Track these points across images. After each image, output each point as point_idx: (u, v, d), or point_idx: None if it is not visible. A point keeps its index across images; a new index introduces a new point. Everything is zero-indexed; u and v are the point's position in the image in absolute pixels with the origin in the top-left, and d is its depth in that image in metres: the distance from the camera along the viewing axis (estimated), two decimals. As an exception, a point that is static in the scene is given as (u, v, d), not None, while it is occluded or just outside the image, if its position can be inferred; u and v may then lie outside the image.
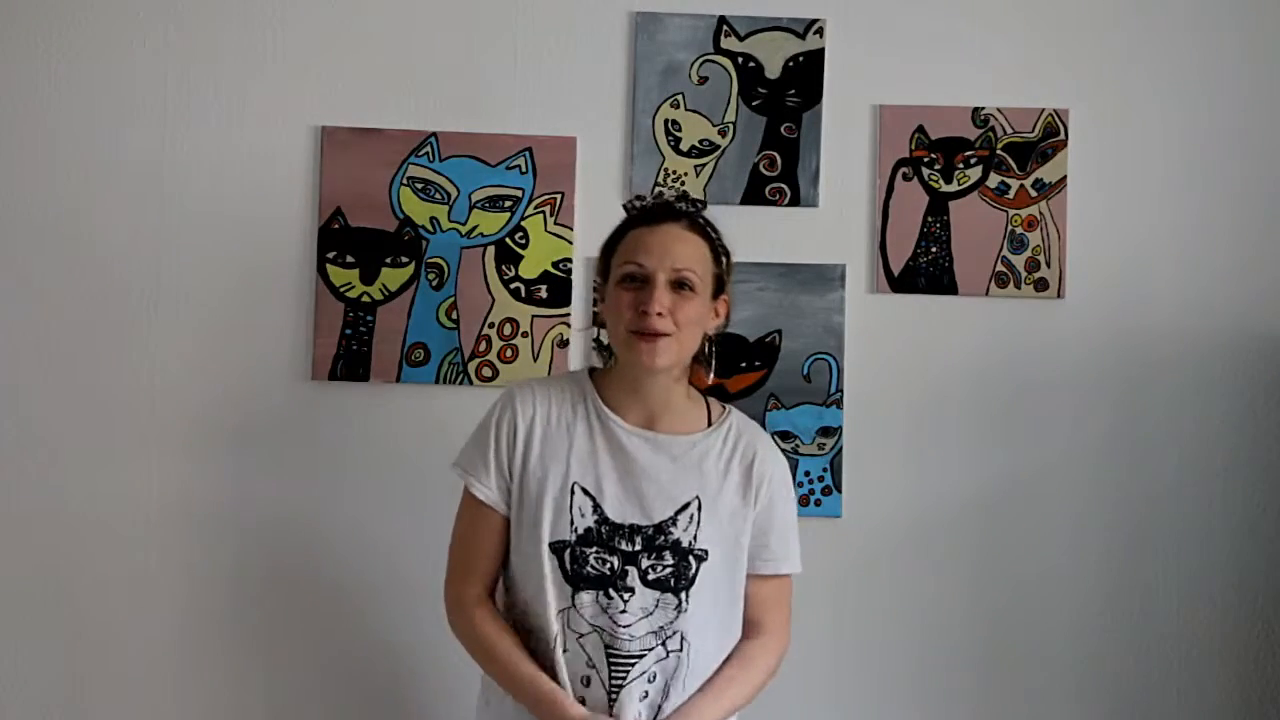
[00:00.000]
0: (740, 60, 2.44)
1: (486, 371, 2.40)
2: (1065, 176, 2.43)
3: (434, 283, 2.41)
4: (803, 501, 2.37)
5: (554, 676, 1.82)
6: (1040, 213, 2.43)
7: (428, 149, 2.41)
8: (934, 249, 2.43)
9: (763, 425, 2.32)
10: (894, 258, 2.43)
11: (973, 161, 2.44)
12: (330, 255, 2.40)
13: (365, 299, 2.40)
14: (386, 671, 2.38)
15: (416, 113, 2.41)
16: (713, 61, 2.44)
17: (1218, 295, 2.44)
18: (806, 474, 2.39)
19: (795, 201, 2.43)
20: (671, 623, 1.83)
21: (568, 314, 2.40)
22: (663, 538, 1.84)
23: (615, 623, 1.82)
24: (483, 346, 2.41)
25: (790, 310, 2.41)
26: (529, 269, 2.41)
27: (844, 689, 2.41)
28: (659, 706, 1.83)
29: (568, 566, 1.83)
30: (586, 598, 1.82)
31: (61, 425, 2.37)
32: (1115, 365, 2.43)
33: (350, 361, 2.39)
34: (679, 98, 2.43)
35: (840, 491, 2.40)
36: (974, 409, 2.43)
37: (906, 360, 2.43)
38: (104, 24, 2.40)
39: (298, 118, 2.41)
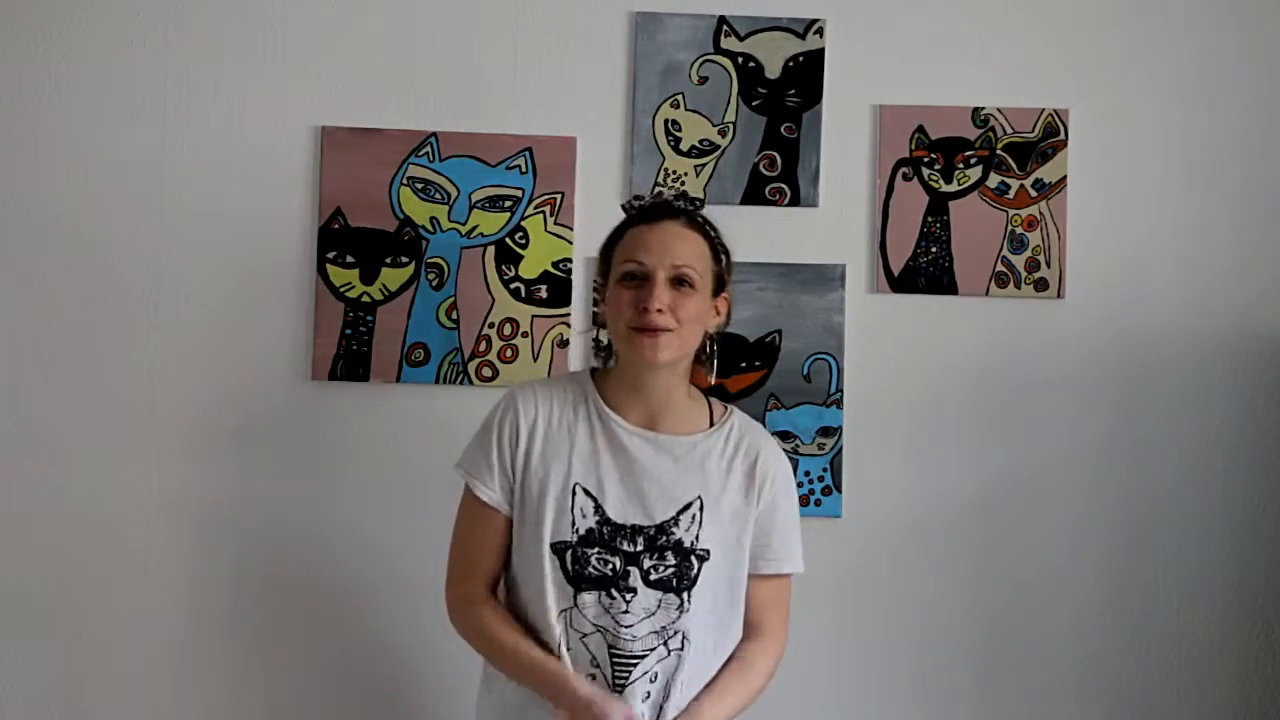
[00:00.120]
0: (740, 60, 2.44)
1: (486, 371, 2.40)
2: (1065, 176, 2.43)
3: (434, 283, 2.41)
4: (803, 501, 2.35)
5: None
6: (1040, 213, 2.43)
7: (428, 149, 2.41)
8: (934, 249, 2.43)
9: (762, 425, 2.32)
10: (894, 258, 2.43)
11: (973, 161, 2.44)
12: (330, 255, 2.40)
13: (365, 299, 2.40)
14: (386, 671, 2.38)
15: (416, 113, 2.41)
16: (713, 61, 2.44)
17: (1218, 295, 2.44)
18: (806, 474, 2.39)
19: (795, 201, 2.43)
20: (673, 622, 1.83)
21: (568, 314, 2.40)
22: (664, 538, 1.84)
23: (618, 623, 1.82)
24: (483, 346, 2.41)
25: (790, 310, 2.41)
26: (529, 269, 2.41)
27: (844, 689, 2.41)
28: (661, 706, 1.83)
29: (569, 567, 1.83)
30: (589, 598, 1.82)
31: (61, 425, 2.37)
32: (1115, 365, 2.43)
33: (350, 361, 2.39)
34: (679, 98, 2.43)
35: (840, 491, 2.40)
36: (974, 409, 2.43)
37: (906, 360, 2.43)
38: (104, 24, 2.40)
39: (298, 118, 2.41)
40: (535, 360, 2.40)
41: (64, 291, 2.38)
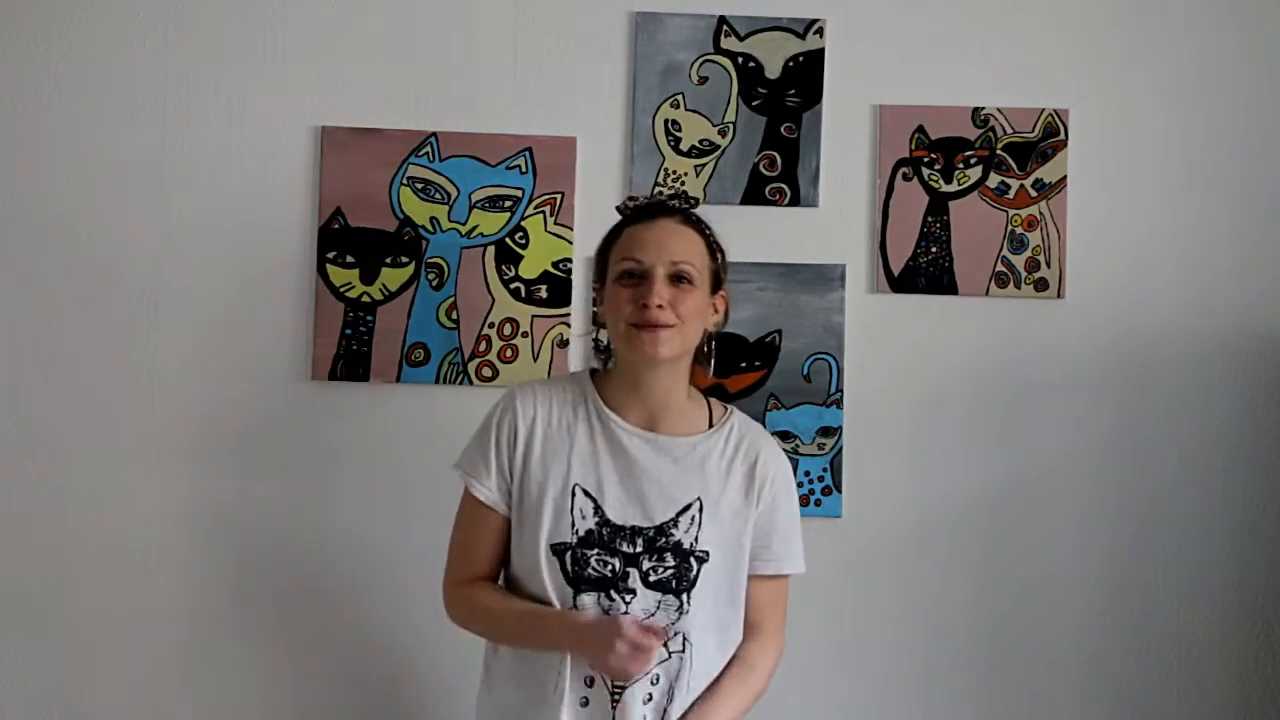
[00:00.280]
0: (740, 60, 2.44)
1: (486, 371, 2.40)
2: (1065, 176, 2.43)
3: (434, 283, 2.41)
4: (803, 501, 2.35)
5: (558, 678, 1.82)
6: (1040, 213, 2.43)
7: (428, 149, 2.41)
8: (934, 249, 2.43)
9: (762, 425, 2.32)
10: (894, 258, 2.43)
11: (973, 161, 2.44)
12: (330, 255, 2.40)
13: (365, 299, 2.40)
14: (386, 671, 2.38)
15: (416, 113, 2.41)
16: (713, 61, 2.44)
17: (1218, 295, 2.44)
18: (806, 474, 2.39)
19: (795, 201, 2.43)
20: (673, 624, 1.83)
21: (568, 314, 2.40)
22: (664, 539, 1.84)
23: (620, 619, 1.81)
24: (483, 346, 2.41)
25: (790, 310, 2.41)
26: (529, 269, 2.41)
27: (844, 689, 2.41)
28: (664, 709, 1.83)
29: (568, 568, 1.83)
30: (588, 600, 1.82)
31: (61, 424, 2.37)
32: (1115, 365, 2.43)
33: (350, 361, 2.39)
34: (679, 98, 2.43)
35: (840, 491, 2.40)
36: (974, 409, 2.43)
37: (906, 360, 2.43)
38: (104, 24, 2.40)
39: (298, 118, 2.41)
40: (535, 360, 2.40)
41: (64, 291, 2.38)
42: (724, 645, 1.89)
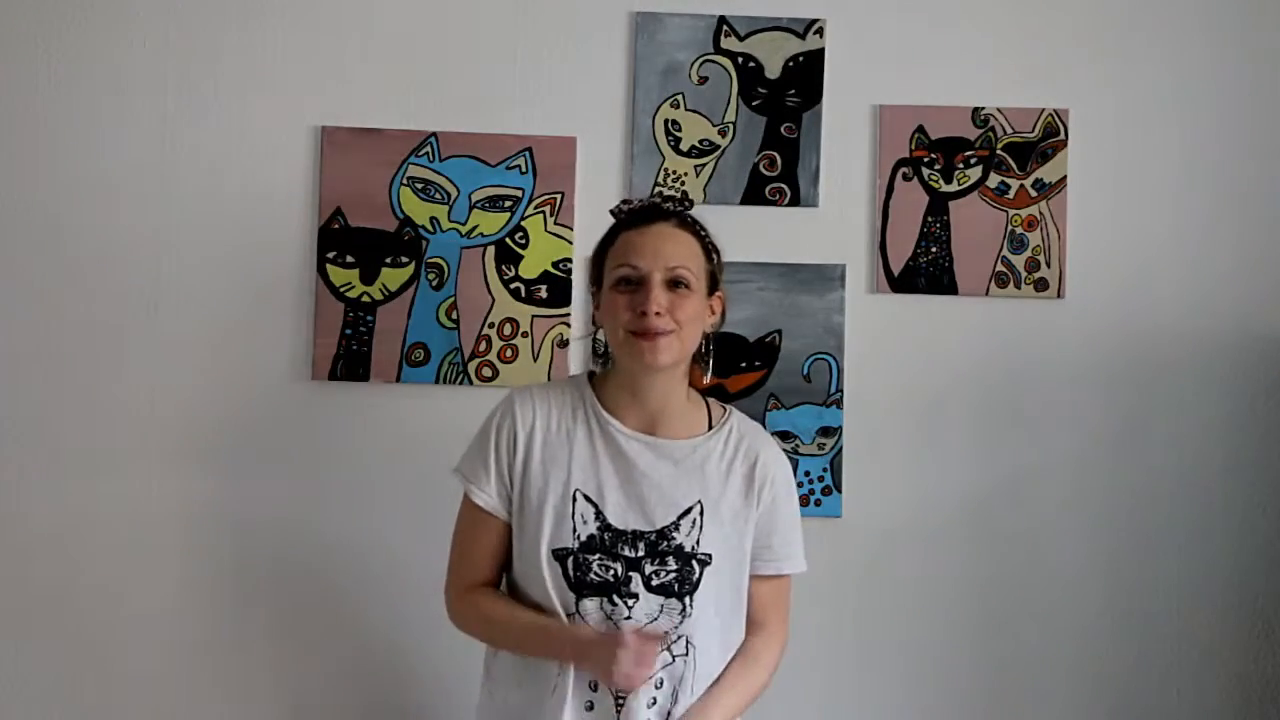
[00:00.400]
0: (740, 60, 2.44)
1: (486, 371, 2.40)
2: (1065, 176, 2.43)
3: (434, 283, 2.41)
4: (803, 501, 2.34)
5: (558, 679, 1.82)
6: (1040, 213, 2.43)
7: (428, 149, 2.41)
8: (934, 249, 2.43)
9: (763, 425, 2.31)
10: (894, 258, 2.43)
11: (973, 161, 2.44)
12: (330, 255, 2.40)
13: (365, 299, 2.40)
14: (387, 670, 2.38)
15: (416, 113, 2.41)
16: (713, 61, 2.44)
17: (1218, 295, 2.44)
18: (806, 474, 2.39)
19: (795, 201, 2.43)
20: (677, 627, 1.83)
21: (568, 314, 2.40)
22: (665, 543, 1.84)
23: (620, 629, 1.81)
24: (483, 346, 2.41)
25: (790, 310, 2.41)
26: (529, 269, 2.41)
27: (843, 689, 2.41)
28: (668, 712, 1.83)
29: (571, 574, 1.83)
30: (591, 604, 1.82)
31: (61, 425, 2.37)
32: (1115, 365, 2.43)
33: (350, 361, 2.39)
34: (679, 98, 2.43)
35: (840, 491, 2.40)
36: (974, 409, 2.43)
37: (906, 360, 2.43)
38: (104, 24, 2.40)
39: (298, 118, 2.41)
40: (535, 360, 2.40)
41: (64, 291, 2.38)
42: (727, 647, 1.89)
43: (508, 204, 2.41)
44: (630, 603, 1.81)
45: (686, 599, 1.83)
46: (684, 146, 2.43)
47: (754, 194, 2.43)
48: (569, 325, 2.40)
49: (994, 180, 2.44)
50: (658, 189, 2.40)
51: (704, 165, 2.43)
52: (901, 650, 2.41)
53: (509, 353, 2.41)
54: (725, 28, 2.44)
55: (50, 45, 2.39)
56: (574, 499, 1.85)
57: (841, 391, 2.41)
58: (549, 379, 2.38)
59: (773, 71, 2.44)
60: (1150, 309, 2.44)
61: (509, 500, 1.89)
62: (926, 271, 2.43)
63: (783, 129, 2.44)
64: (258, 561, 2.38)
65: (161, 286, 2.39)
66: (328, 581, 2.38)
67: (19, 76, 2.39)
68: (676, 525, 1.85)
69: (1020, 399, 2.43)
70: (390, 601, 2.36)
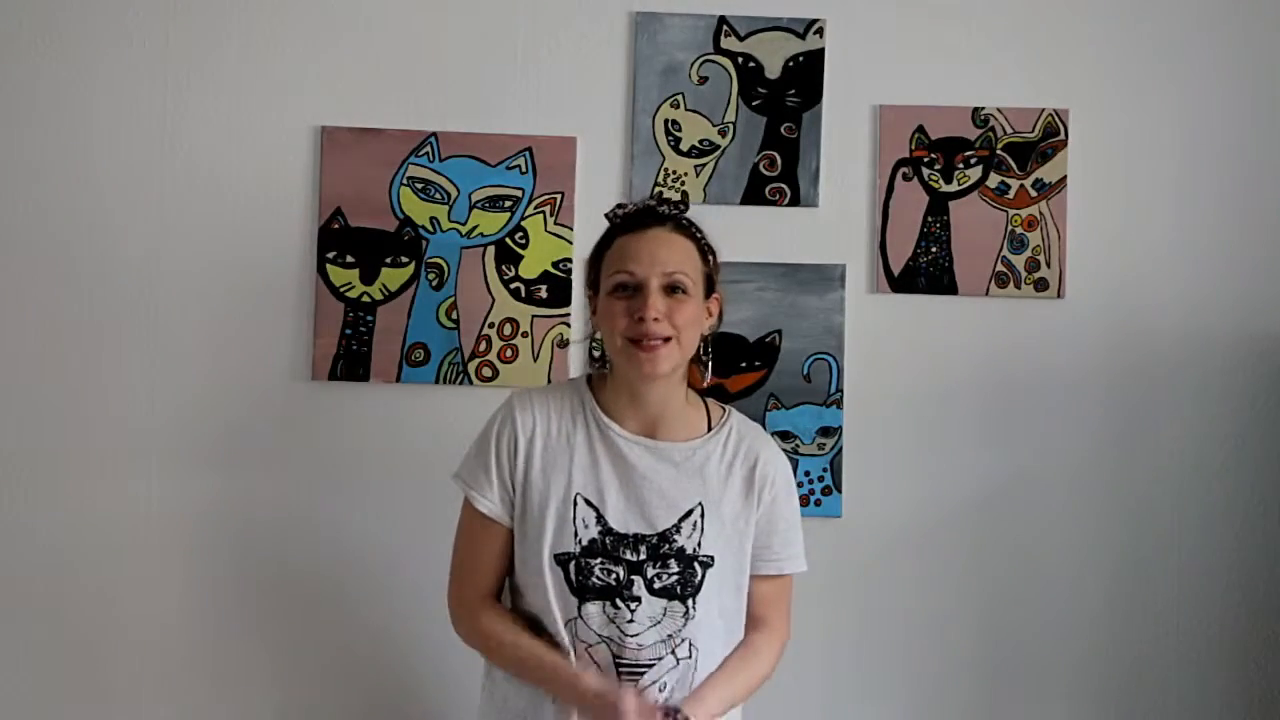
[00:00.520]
0: (740, 60, 2.44)
1: (486, 371, 2.40)
2: (1065, 176, 2.43)
3: (434, 283, 2.41)
4: (803, 501, 2.34)
5: None
6: (1040, 213, 2.43)
7: (428, 149, 2.41)
8: (934, 249, 2.43)
9: (762, 425, 2.31)
10: (894, 258, 2.43)
11: (973, 161, 2.44)
12: (330, 255, 2.40)
13: (365, 299, 2.40)
14: (387, 670, 2.38)
15: (416, 113, 2.41)
16: (713, 61, 2.44)
17: (1218, 295, 2.44)
18: (806, 474, 2.39)
19: (795, 201, 2.43)
20: (680, 630, 1.83)
21: (568, 314, 2.40)
22: (667, 546, 1.84)
23: (623, 633, 1.81)
24: (483, 346, 2.41)
25: (790, 310, 2.41)
26: (529, 269, 2.41)
27: (843, 689, 2.41)
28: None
29: (573, 578, 1.83)
30: (593, 609, 1.82)
31: (61, 425, 2.37)
32: (1115, 365, 2.43)
33: (350, 361, 2.39)
34: (679, 98, 2.43)
35: (840, 491, 2.40)
36: (974, 409, 2.43)
37: (906, 360, 2.43)
38: (104, 24, 2.40)
39: (298, 118, 2.41)
40: (535, 360, 2.40)
41: (64, 291, 2.38)
42: (729, 648, 1.90)
43: (508, 204, 2.41)
44: (633, 606, 1.81)
45: (689, 601, 1.83)
46: (684, 146, 2.43)
47: (754, 194, 2.43)
48: (569, 325, 2.40)
49: (994, 180, 2.44)
50: (658, 189, 2.40)
51: (704, 165, 2.43)
52: (901, 650, 2.41)
53: (509, 353, 2.41)
54: (725, 28, 2.44)
55: (50, 45, 2.39)
56: (575, 503, 1.84)
57: (841, 391, 2.41)
58: (549, 379, 2.38)
59: (773, 71, 2.44)
60: (1150, 309, 2.44)
61: (511, 506, 1.89)
62: (926, 271, 2.43)
63: (783, 129, 2.44)
64: (258, 561, 2.38)
65: (161, 286, 2.39)
66: (328, 581, 2.38)
67: (19, 76, 2.39)
68: (678, 528, 1.85)
69: (1020, 399, 2.43)
70: (391, 601, 2.36)
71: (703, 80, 2.44)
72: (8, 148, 2.38)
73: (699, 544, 1.85)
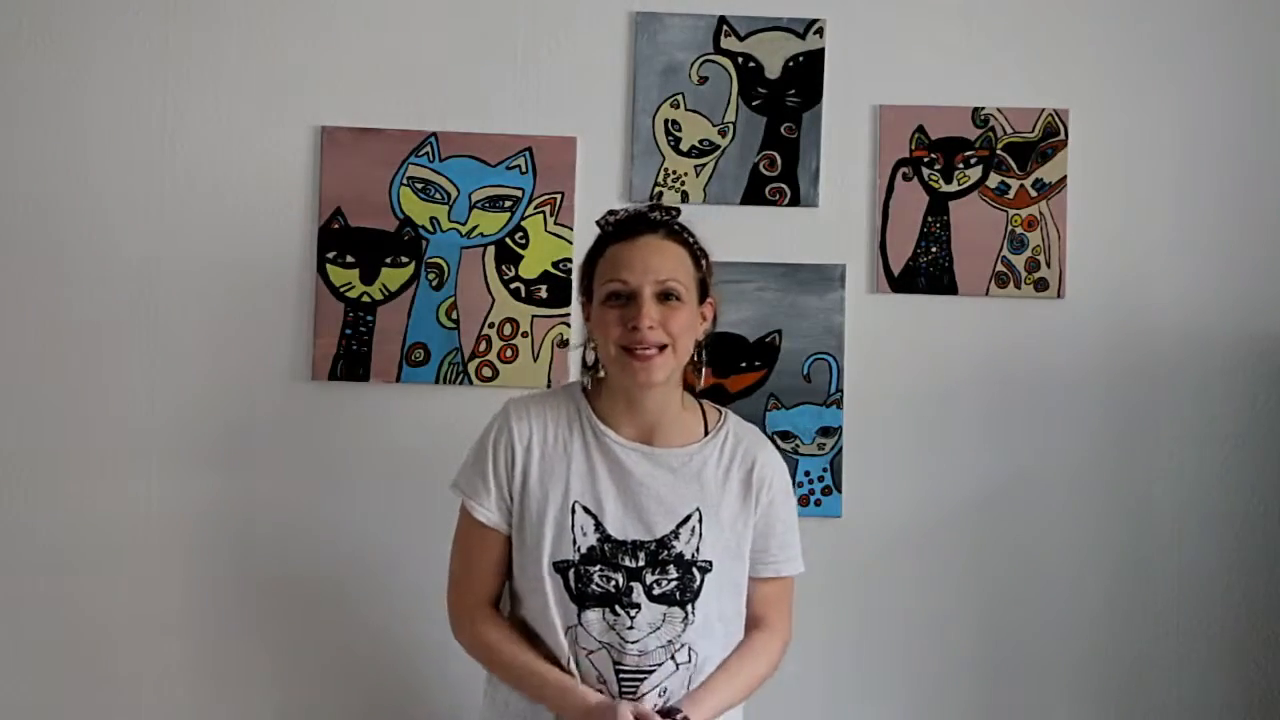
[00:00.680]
0: (740, 60, 2.44)
1: (486, 371, 2.40)
2: (1065, 176, 2.43)
3: (434, 283, 2.41)
4: (803, 501, 2.37)
5: None
6: (1040, 213, 2.43)
7: (428, 149, 2.41)
8: (934, 249, 2.43)
9: (762, 425, 2.32)
10: (894, 258, 2.43)
11: (973, 161, 2.44)
12: (330, 255, 2.40)
13: (365, 299, 2.40)
14: (387, 671, 2.38)
15: (416, 113, 2.41)
16: (713, 61, 2.44)
17: (1218, 295, 2.44)
18: (806, 474, 2.39)
19: (795, 201, 2.43)
20: (679, 635, 1.83)
21: (568, 314, 2.40)
22: (666, 552, 1.84)
23: (623, 639, 1.81)
24: (483, 346, 2.41)
25: (790, 310, 2.41)
26: (529, 269, 2.41)
27: (843, 689, 2.41)
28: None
29: (572, 585, 1.83)
30: (593, 616, 1.82)
31: (61, 425, 2.37)
32: (1115, 365, 2.43)
33: (350, 361, 2.39)
34: (679, 98, 2.43)
35: (840, 491, 2.40)
36: (974, 409, 2.43)
37: (906, 360, 2.42)
38: (104, 24, 2.40)
39: (298, 118, 2.41)
40: (535, 360, 2.40)
41: (63, 291, 2.38)
42: (729, 652, 1.89)
43: (508, 204, 2.41)
44: (632, 613, 1.81)
45: (688, 607, 1.83)
46: (684, 146, 2.43)
47: (754, 194, 2.43)
48: (569, 325, 2.40)
49: (994, 180, 2.44)
50: (658, 189, 2.40)
51: (704, 165, 2.43)
52: (901, 650, 2.41)
53: (509, 353, 2.41)
54: (725, 28, 2.44)
55: (50, 45, 2.39)
56: (573, 511, 1.84)
57: (841, 391, 2.41)
58: (549, 379, 2.38)
59: (773, 71, 2.44)
60: (1150, 309, 2.44)
61: (509, 514, 1.89)
62: (926, 271, 2.43)
63: (783, 129, 2.43)
64: (258, 561, 2.38)
65: (161, 286, 2.39)
66: (328, 581, 2.38)
67: (18, 77, 2.39)
68: (676, 534, 1.85)
69: (1020, 399, 2.43)
70: (391, 602, 2.36)
71: (703, 80, 2.44)
72: (7, 148, 2.38)
73: (698, 549, 1.85)
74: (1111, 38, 2.45)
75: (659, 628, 1.82)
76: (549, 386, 2.36)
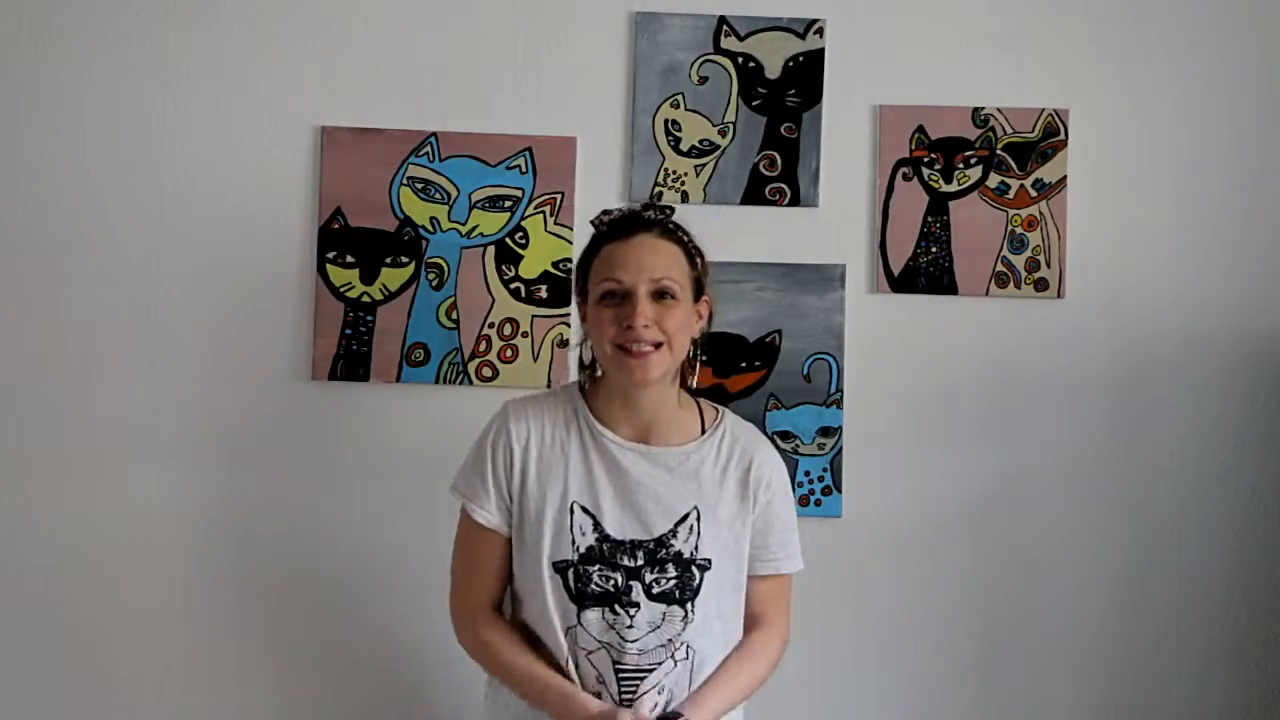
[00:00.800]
0: (740, 60, 2.44)
1: (486, 371, 2.40)
2: (1065, 176, 2.43)
3: (434, 283, 2.41)
4: (803, 501, 2.37)
5: None
6: (1040, 213, 2.43)
7: (428, 149, 2.41)
8: (934, 249, 2.43)
9: (762, 425, 2.32)
10: (894, 258, 2.43)
11: (973, 161, 2.44)
12: (330, 255, 2.40)
13: (365, 299, 2.40)
14: (388, 671, 2.38)
15: (416, 113, 2.41)
16: (713, 61, 2.44)
17: (1218, 295, 2.44)
18: (806, 474, 2.39)
19: (795, 201, 2.43)
20: (679, 634, 1.83)
21: (568, 314, 2.40)
22: (664, 550, 1.84)
23: (623, 638, 1.82)
24: (483, 346, 2.41)
25: (790, 310, 2.41)
26: (529, 269, 2.41)
27: (842, 689, 2.41)
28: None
29: (572, 585, 1.83)
30: (592, 615, 1.82)
31: (62, 425, 2.37)
32: (1115, 365, 2.43)
33: (350, 361, 2.39)
34: (679, 98, 2.43)
35: (840, 491, 2.40)
36: (974, 409, 2.43)
37: (906, 360, 2.42)
38: (103, 24, 2.40)
39: (298, 118, 2.41)
40: (535, 360, 2.40)
41: (63, 291, 2.38)
42: (729, 651, 1.90)
43: (508, 204, 2.41)
44: (632, 612, 1.82)
45: (688, 605, 1.83)
46: (684, 146, 2.43)
47: (754, 194, 2.43)
48: (569, 325, 2.40)
49: (994, 180, 2.44)
50: (657, 189, 2.40)
51: (704, 165, 2.43)
52: (901, 650, 2.41)
53: (509, 353, 2.41)
54: (725, 28, 2.44)
55: (49, 45, 2.39)
56: (572, 511, 1.85)
57: (841, 391, 2.41)
58: (549, 379, 2.38)
59: (773, 71, 2.44)
60: (1150, 309, 2.44)
61: (509, 515, 1.89)
62: (926, 271, 2.43)
63: (783, 129, 2.43)
64: (258, 561, 2.38)
65: (161, 286, 2.39)
66: (328, 581, 2.38)
67: (18, 77, 2.39)
68: (674, 532, 1.85)
69: (1020, 399, 2.43)
70: (392, 602, 2.36)
71: (703, 80, 2.44)
72: (7, 148, 2.38)
73: (696, 547, 1.85)
74: (1111, 38, 2.45)
75: (658, 626, 1.82)
76: (549, 387, 2.36)
